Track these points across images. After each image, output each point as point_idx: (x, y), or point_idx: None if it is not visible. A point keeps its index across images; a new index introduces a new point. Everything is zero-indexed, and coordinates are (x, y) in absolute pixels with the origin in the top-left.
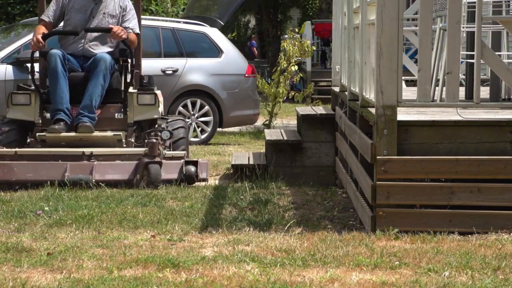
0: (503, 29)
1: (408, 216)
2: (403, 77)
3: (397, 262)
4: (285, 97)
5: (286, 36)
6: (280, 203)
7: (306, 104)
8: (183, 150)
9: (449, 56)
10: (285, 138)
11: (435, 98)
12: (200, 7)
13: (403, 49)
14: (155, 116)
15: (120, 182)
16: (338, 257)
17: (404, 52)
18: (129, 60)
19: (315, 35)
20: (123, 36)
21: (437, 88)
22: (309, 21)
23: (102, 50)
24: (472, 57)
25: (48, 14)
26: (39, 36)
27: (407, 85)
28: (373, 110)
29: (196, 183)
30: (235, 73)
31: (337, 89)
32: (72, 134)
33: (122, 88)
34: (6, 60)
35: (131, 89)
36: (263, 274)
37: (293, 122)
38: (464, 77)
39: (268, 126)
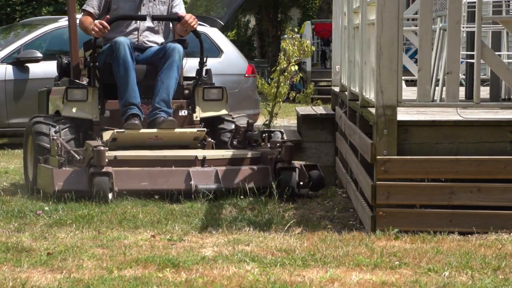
0: (503, 29)
1: (408, 216)
2: (403, 77)
3: (397, 262)
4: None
5: (286, 36)
6: (280, 203)
7: (306, 104)
8: None
9: (449, 56)
10: (285, 138)
11: (435, 98)
12: (201, 6)
13: (403, 49)
14: (223, 113)
15: (249, 189)
16: (338, 257)
17: (404, 52)
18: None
19: (315, 35)
20: (195, 26)
21: (437, 88)
22: (309, 21)
23: (155, 41)
24: (472, 57)
25: (93, 4)
26: (103, 21)
27: (407, 85)
28: (373, 110)
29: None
30: (235, 73)
31: (337, 89)
32: (153, 130)
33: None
34: (6, 60)
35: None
36: (263, 274)
37: (293, 122)
38: (464, 77)
39: (268, 126)
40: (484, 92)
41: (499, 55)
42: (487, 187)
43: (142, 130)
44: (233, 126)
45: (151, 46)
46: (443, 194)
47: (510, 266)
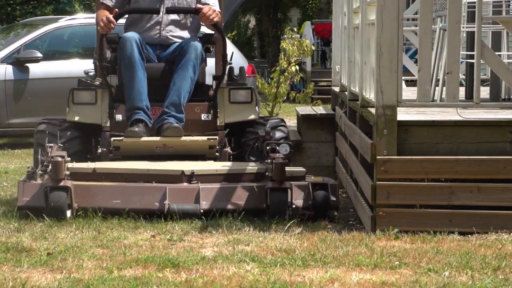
0: (503, 29)
1: (408, 216)
2: (403, 77)
3: (397, 262)
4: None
5: (285, 36)
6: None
7: (306, 104)
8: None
9: (449, 56)
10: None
11: (435, 98)
12: None
13: (403, 49)
14: (252, 117)
15: (235, 211)
16: (338, 257)
17: (404, 52)
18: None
19: (315, 35)
20: (215, 19)
21: (437, 88)
22: (309, 21)
23: (181, 36)
24: (472, 57)
25: None
26: (110, 15)
27: (407, 85)
28: (373, 110)
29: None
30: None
31: (337, 89)
32: (156, 138)
33: (209, 83)
34: (6, 60)
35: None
36: (263, 274)
37: (293, 122)
38: (464, 77)
39: None
40: (484, 92)
41: (499, 55)
42: (487, 187)
43: (145, 138)
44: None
45: (175, 42)
46: (443, 194)
47: (510, 266)
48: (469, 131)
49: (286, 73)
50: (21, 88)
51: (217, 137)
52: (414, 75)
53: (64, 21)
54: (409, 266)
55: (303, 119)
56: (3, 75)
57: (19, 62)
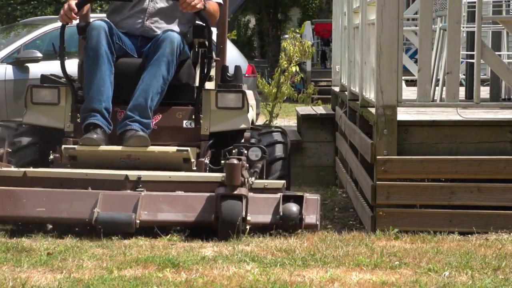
0: (503, 29)
1: (408, 216)
2: (403, 77)
3: (397, 262)
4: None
5: (286, 36)
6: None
7: (306, 104)
8: (280, 177)
9: (449, 56)
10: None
11: (435, 98)
12: None
13: (403, 49)
14: (242, 126)
15: (180, 225)
16: (338, 257)
17: (404, 52)
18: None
19: (315, 35)
20: (198, 6)
21: (437, 88)
22: (309, 21)
23: (168, 28)
24: (472, 57)
25: None
26: (71, 2)
27: (407, 85)
28: (373, 110)
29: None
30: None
31: (337, 89)
32: (117, 148)
33: (196, 84)
34: (6, 60)
35: (208, 85)
36: (263, 274)
37: (293, 122)
38: (464, 77)
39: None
40: (484, 92)
41: (499, 55)
42: (487, 187)
43: (104, 147)
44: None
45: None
46: (443, 194)
47: (510, 266)
48: (469, 131)
49: (286, 73)
50: (21, 88)
51: (189, 149)
52: (414, 75)
53: None
54: (409, 266)
55: (303, 119)
56: (3, 75)
57: (19, 62)
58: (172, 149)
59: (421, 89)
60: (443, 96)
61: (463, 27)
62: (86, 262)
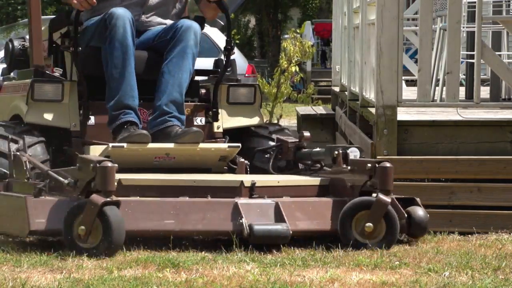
0: (503, 29)
1: None
2: (403, 77)
3: (397, 262)
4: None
5: (287, 36)
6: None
7: (306, 104)
8: None
9: (449, 56)
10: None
11: (435, 98)
12: None
13: (403, 49)
14: (256, 123)
15: (318, 233)
16: (338, 257)
17: (404, 52)
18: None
19: (315, 35)
20: None
21: (437, 88)
22: (309, 21)
23: (161, 23)
24: (472, 57)
25: None
26: None
27: (407, 85)
28: (373, 110)
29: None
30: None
31: (337, 89)
32: (170, 145)
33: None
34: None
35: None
36: (263, 274)
37: (293, 122)
38: (464, 77)
39: None
40: (484, 92)
41: (499, 55)
42: (487, 187)
43: (152, 145)
44: (270, 142)
45: (152, 28)
46: (443, 194)
47: (510, 266)
48: (469, 131)
49: (286, 73)
50: None
51: (239, 144)
52: (414, 75)
53: None
54: (409, 266)
55: (303, 119)
56: None
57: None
58: (224, 145)
59: (421, 89)
60: (443, 96)
61: (463, 27)
62: (86, 262)
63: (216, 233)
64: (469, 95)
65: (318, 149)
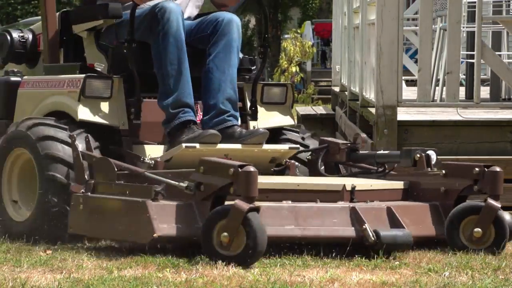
0: (503, 29)
1: None
2: (403, 77)
3: (397, 262)
4: None
5: (287, 36)
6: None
7: (306, 104)
8: None
9: (449, 56)
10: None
11: (435, 98)
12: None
13: (403, 49)
14: (288, 123)
15: (423, 239)
16: (338, 257)
17: (404, 52)
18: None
19: (315, 35)
20: None
21: (437, 88)
22: (309, 21)
23: (188, 15)
24: (472, 57)
25: None
26: None
27: (407, 85)
28: (373, 110)
29: None
30: None
31: (337, 89)
32: (237, 146)
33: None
34: None
35: None
36: (263, 274)
37: None
38: (464, 77)
39: None
40: (484, 92)
41: (499, 55)
42: None
43: (222, 145)
44: (298, 141)
45: None
46: None
47: (510, 266)
48: (469, 131)
49: (286, 73)
50: None
51: (299, 145)
52: (414, 75)
53: None
54: (409, 266)
55: (303, 119)
56: None
57: None
58: (285, 147)
59: (421, 89)
60: (443, 96)
61: (463, 27)
62: (86, 262)
63: (340, 238)
64: (469, 95)
65: (384, 151)
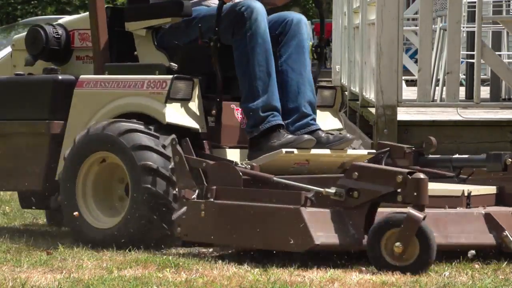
0: (503, 29)
1: None
2: (403, 77)
3: None
4: None
5: None
6: None
7: None
8: None
9: (449, 56)
10: None
11: (435, 98)
12: None
13: (403, 49)
14: (337, 127)
15: None
16: (338, 257)
17: (404, 52)
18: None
19: (315, 35)
20: None
21: (437, 88)
22: (309, 21)
23: None
24: (472, 57)
25: None
26: None
27: (407, 85)
28: (373, 110)
29: None
30: None
31: None
32: (326, 151)
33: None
34: None
35: None
36: (263, 274)
37: None
38: (464, 77)
39: None
40: (484, 92)
41: (499, 55)
42: None
43: (316, 151)
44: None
45: None
46: None
47: (510, 266)
48: (469, 131)
49: None
50: None
51: (374, 150)
52: (414, 75)
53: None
54: None
55: None
56: None
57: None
58: (364, 152)
59: (421, 89)
60: (443, 96)
61: (463, 27)
62: (86, 262)
63: (480, 246)
64: (469, 95)
65: (460, 155)
